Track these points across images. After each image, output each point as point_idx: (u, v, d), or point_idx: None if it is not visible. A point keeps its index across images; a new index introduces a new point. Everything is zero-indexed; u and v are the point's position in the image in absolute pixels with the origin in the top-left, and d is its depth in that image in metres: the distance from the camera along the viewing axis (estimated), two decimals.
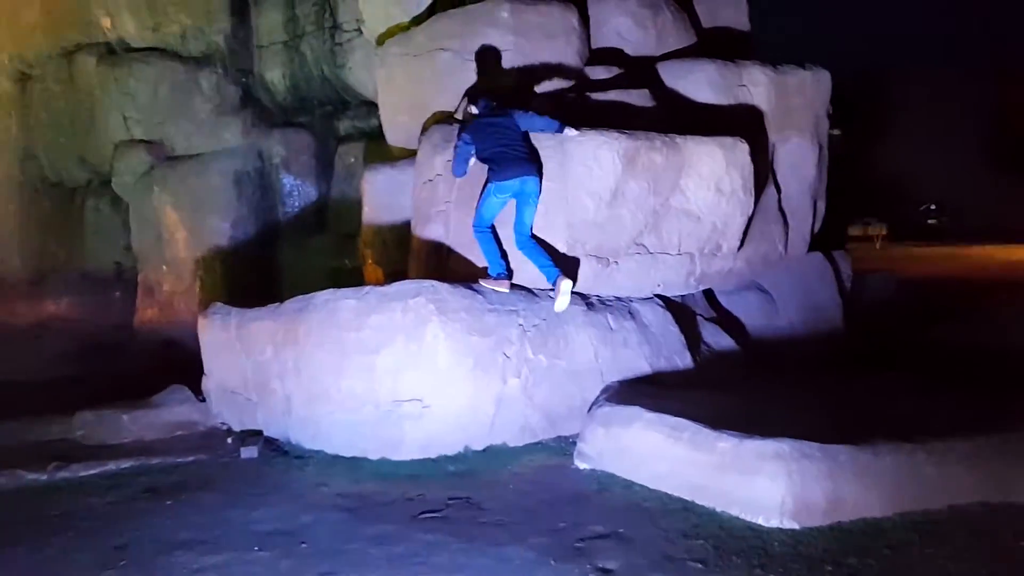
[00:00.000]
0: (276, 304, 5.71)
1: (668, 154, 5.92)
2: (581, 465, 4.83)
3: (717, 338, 6.85)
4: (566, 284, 5.48)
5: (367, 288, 5.35)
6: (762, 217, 7.41)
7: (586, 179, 5.66)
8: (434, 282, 5.26)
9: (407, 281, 5.37)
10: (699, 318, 7.00)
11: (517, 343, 5.33)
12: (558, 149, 5.66)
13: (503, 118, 5.85)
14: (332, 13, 10.03)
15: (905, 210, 32.41)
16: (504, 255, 5.79)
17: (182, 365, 7.31)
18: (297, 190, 10.51)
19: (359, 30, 9.44)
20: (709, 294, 7.62)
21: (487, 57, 6.89)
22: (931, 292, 12.26)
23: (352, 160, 10.03)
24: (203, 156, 10.48)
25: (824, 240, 8.68)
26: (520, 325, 5.39)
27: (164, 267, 10.71)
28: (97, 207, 12.35)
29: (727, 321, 7.42)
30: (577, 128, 5.75)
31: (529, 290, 5.69)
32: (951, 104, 33.71)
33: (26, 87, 12.17)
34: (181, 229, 10.41)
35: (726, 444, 4.05)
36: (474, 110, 6.12)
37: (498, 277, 5.69)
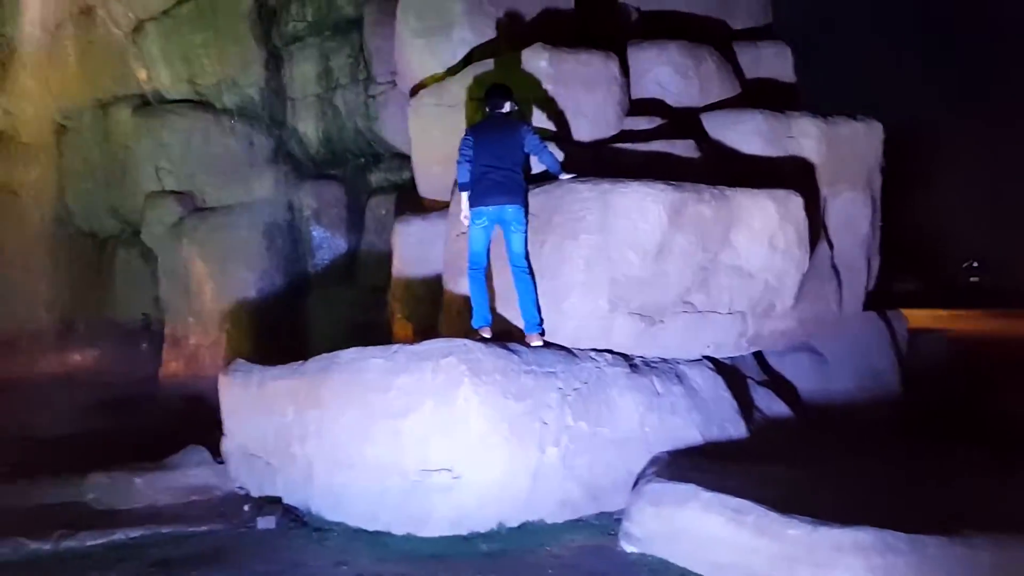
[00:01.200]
0: (299, 362, 5.38)
1: (717, 207, 5.57)
2: (628, 548, 4.36)
3: (770, 404, 6.38)
4: (535, 342, 5.32)
5: (395, 347, 5.00)
6: (815, 274, 6.98)
7: (630, 233, 5.32)
8: (467, 341, 4.90)
9: (438, 340, 5.02)
10: (750, 382, 6.55)
11: (556, 408, 4.92)
12: (599, 201, 5.33)
13: (508, 131, 5.66)
14: (366, 65, 9.96)
15: (945, 267, 31.53)
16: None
17: (204, 422, 6.98)
18: (327, 242, 10.30)
19: (393, 82, 9.34)
20: (759, 355, 7.18)
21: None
22: (984, 353, 11.60)
23: (383, 212, 9.82)
24: (233, 207, 10.36)
25: (877, 299, 8.23)
26: (559, 388, 4.98)
27: (191, 319, 10.53)
28: (127, 258, 12.31)
29: (779, 385, 6.95)
30: (572, 174, 5.64)
31: (568, 350, 5.30)
32: (995, 154, 32.95)
33: (62, 138, 12.28)
34: (209, 281, 10.24)
35: (797, 531, 3.58)
36: (487, 109, 5.90)
37: (480, 328, 5.44)
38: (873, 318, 7.86)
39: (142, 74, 11.05)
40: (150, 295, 11.77)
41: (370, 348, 5.03)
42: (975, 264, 32.90)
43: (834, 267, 7.23)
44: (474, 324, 5.60)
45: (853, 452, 5.39)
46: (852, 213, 7.30)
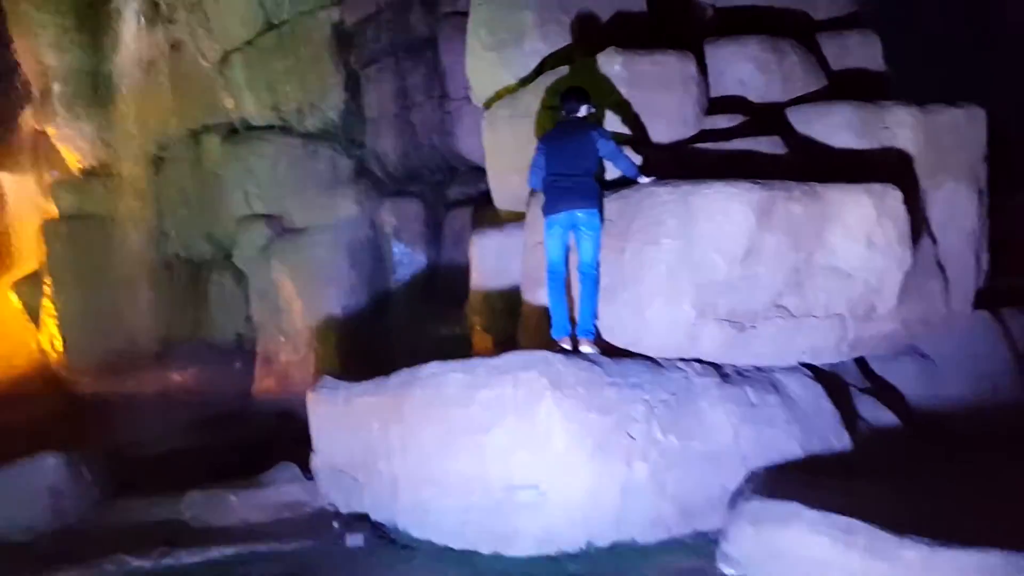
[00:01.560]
0: (382, 377, 5.39)
1: (808, 204, 5.27)
2: (727, 570, 4.13)
3: (876, 413, 6.00)
4: (587, 347, 5.29)
5: (475, 360, 4.94)
6: (918, 272, 6.48)
7: (715, 235, 5.09)
8: (547, 353, 4.79)
9: (518, 352, 4.93)
10: (853, 390, 6.19)
11: (643, 422, 4.73)
12: (681, 203, 5.13)
13: (580, 135, 5.59)
14: (441, 82, 10.06)
15: None
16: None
17: (296, 438, 7.12)
18: (407, 258, 10.41)
19: (467, 97, 9.35)
20: (860, 361, 6.77)
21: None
22: None
23: (460, 226, 9.83)
24: (318, 228, 10.61)
25: (990, 297, 7.65)
26: (645, 401, 4.80)
27: (281, 338, 10.83)
28: (221, 280, 12.77)
29: (884, 392, 6.53)
30: (651, 177, 5.52)
31: (653, 360, 5.10)
32: None
33: (160, 169, 12.90)
34: (297, 300, 10.50)
35: (914, 553, 3.29)
36: (563, 113, 5.82)
37: (560, 339, 5.39)
38: (985, 317, 7.28)
39: (229, 103, 11.49)
40: (243, 316, 12.19)
41: (450, 362, 4.98)
42: None
43: (939, 264, 6.73)
44: (553, 335, 5.50)
45: (970, 465, 4.98)
46: (956, 206, 6.79)
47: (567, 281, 5.56)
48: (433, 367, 5.04)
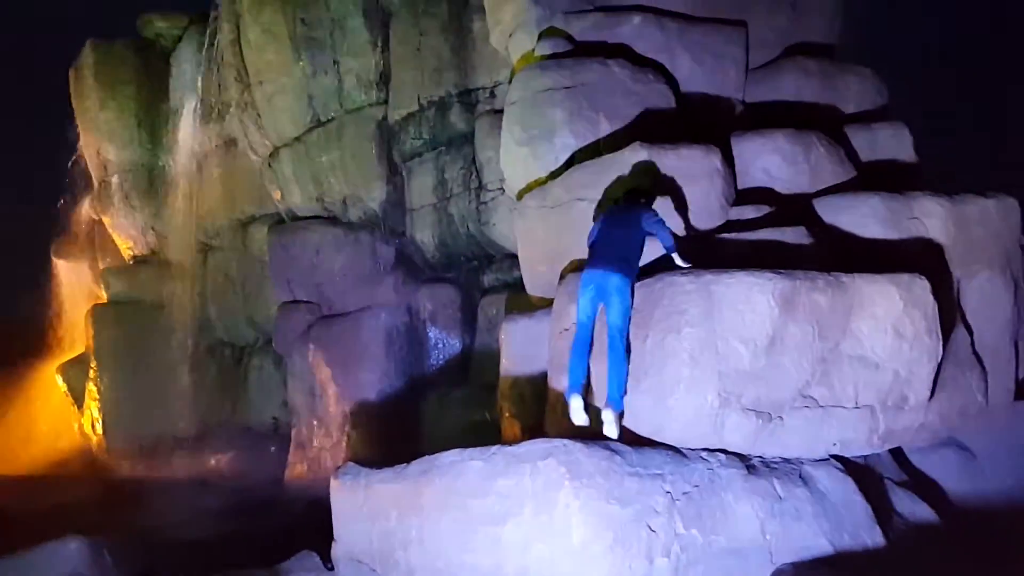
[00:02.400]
0: (402, 465, 5.39)
1: (833, 294, 5.25)
2: None
3: (912, 507, 5.74)
4: (609, 416, 5.27)
5: (494, 448, 4.93)
6: (953, 363, 6.38)
7: (738, 324, 5.09)
8: (567, 441, 4.76)
9: (537, 440, 4.90)
10: (888, 483, 5.96)
11: (664, 514, 4.63)
12: (703, 293, 5.16)
13: (632, 214, 5.95)
14: (478, 174, 10.39)
15: None
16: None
17: (321, 526, 7.10)
18: (442, 342, 10.56)
19: (502, 189, 9.66)
20: (897, 453, 6.54)
21: None
22: None
23: (494, 312, 9.97)
24: (356, 313, 10.85)
25: None
26: (667, 492, 4.70)
27: (315, 422, 10.93)
28: (260, 364, 13.11)
29: (921, 486, 6.27)
30: (688, 262, 5.76)
31: (676, 450, 5.03)
32: None
33: (207, 256, 13.46)
34: (332, 384, 10.64)
35: None
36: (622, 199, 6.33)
37: (570, 398, 5.52)
38: None
39: (276, 194, 12.03)
40: (280, 400, 12.41)
41: (470, 450, 4.98)
42: None
43: (975, 354, 6.57)
44: (566, 393, 5.57)
45: (1013, 563, 4.71)
46: (991, 295, 6.67)
47: (590, 345, 5.65)
48: (452, 455, 5.04)
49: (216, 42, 12.16)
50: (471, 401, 9.72)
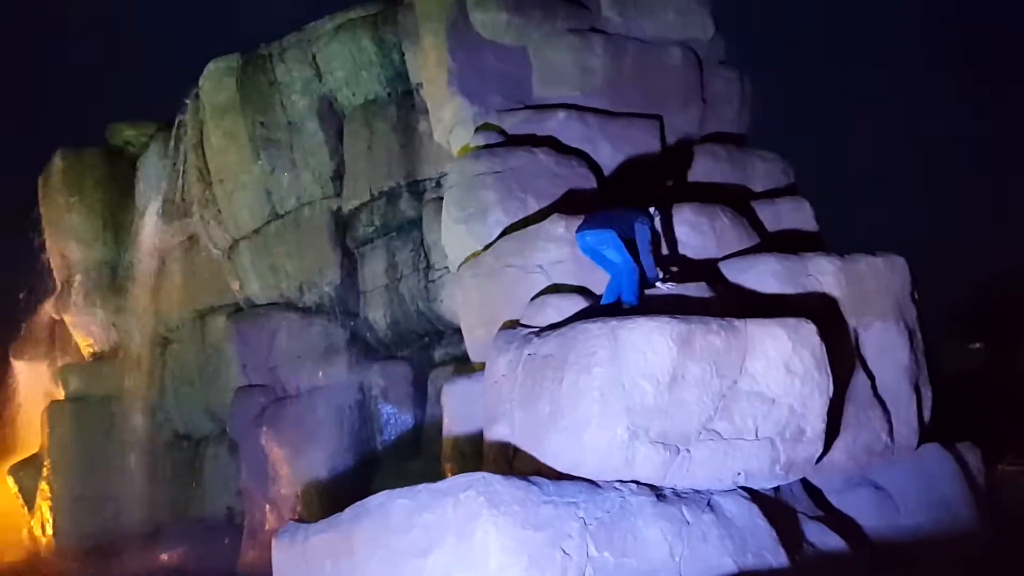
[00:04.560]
0: (336, 514, 5.69)
1: (727, 337, 5.83)
2: None
3: (823, 538, 6.16)
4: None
5: (421, 486, 5.29)
6: (856, 404, 6.98)
7: (641, 364, 5.62)
8: (487, 474, 5.15)
9: (461, 475, 5.28)
10: (801, 515, 6.38)
11: (577, 538, 4.99)
12: (609, 336, 5.70)
13: (632, 211, 7.12)
14: (426, 255, 11.02)
15: None
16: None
17: None
18: (394, 418, 10.88)
19: (447, 268, 10.29)
20: (818, 494, 7.00)
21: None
22: None
23: (443, 383, 10.35)
24: (309, 394, 11.16)
25: (948, 432, 7.95)
26: (581, 518, 5.08)
27: (267, 506, 11.01)
28: (216, 455, 13.18)
29: (839, 521, 6.71)
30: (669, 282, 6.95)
31: (592, 481, 5.44)
32: None
33: (165, 349, 13.74)
34: (285, 465, 10.82)
35: None
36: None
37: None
38: (937, 450, 7.57)
39: (235, 285, 12.52)
40: (234, 489, 12.42)
41: (397, 491, 5.33)
42: None
43: (877, 396, 7.16)
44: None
45: None
46: (887, 343, 7.33)
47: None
48: (380, 497, 5.38)
49: (181, 145, 12.92)
50: (424, 473, 9.84)
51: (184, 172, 12.97)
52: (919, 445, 7.43)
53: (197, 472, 13.29)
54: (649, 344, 5.63)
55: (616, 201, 7.64)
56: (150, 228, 13.60)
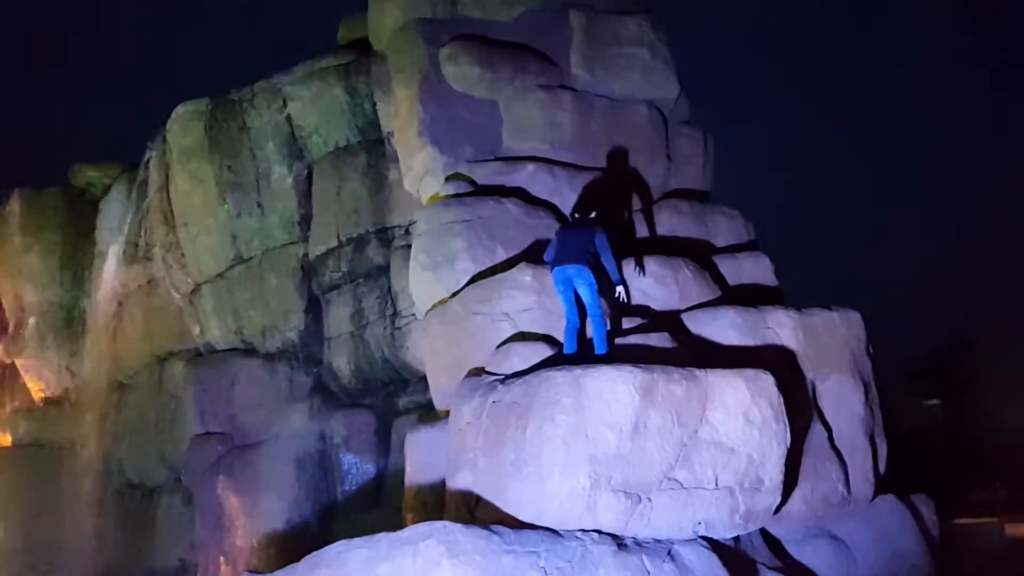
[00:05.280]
0: (293, 565, 5.57)
1: (688, 386, 5.93)
2: None
3: None
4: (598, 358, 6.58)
5: (380, 535, 5.24)
6: (813, 455, 7.11)
7: (604, 412, 5.68)
8: (448, 523, 5.12)
9: (421, 524, 5.24)
10: (761, 566, 6.42)
11: None
12: (573, 385, 5.77)
13: (587, 227, 7.40)
14: (393, 303, 11.01)
15: None
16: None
17: None
18: (356, 467, 10.70)
19: (414, 315, 10.30)
20: (777, 545, 7.06)
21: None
22: None
23: (406, 432, 10.25)
24: (268, 442, 10.96)
25: (904, 485, 8.11)
26: (542, 567, 5.06)
27: (222, 557, 10.69)
28: (170, 504, 12.80)
29: (797, 573, 6.76)
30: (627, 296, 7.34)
31: (553, 531, 5.42)
32: None
33: (121, 396, 13.42)
34: (241, 515, 10.56)
35: None
36: (575, 216, 7.92)
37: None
38: (893, 502, 7.72)
39: (196, 329, 12.35)
40: (188, 540, 12.04)
41: (356, 540, 5.26)
42: None
43: (834, 448, 7.30)
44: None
45: None
46: (843, 395, 7.52)
47: (577, 335, 6.99)
48: (338, 546, 5.30)
49: (145, 188, 12.86)
50: (384, 525, 9.67)
51: (147, 215, 12.87)
52: (875, 497, 7.57)
53: (149, 522, 12.87)
54: (612, 393, 5.70)
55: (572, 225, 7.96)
56: (110, 271, 13.40)
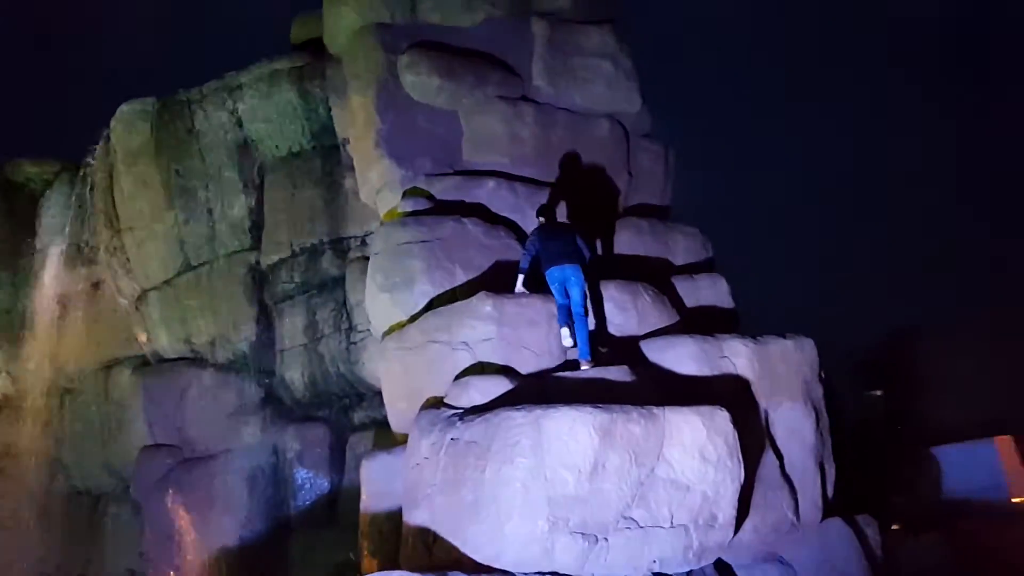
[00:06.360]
0: None
1: (647, 425, 5.99)
2: None
3: None
4: (584, 365, 7.26)
5: None
6: (765, 484, 7.24)
7: (564, 454, 5.70)
8: (405, 573, 5.09)
9: (378, 574, 5.20)
10: None
11: None
12: (533, 426, 5.78)
13: (568, 234, 8.06)
14: (348, 316, 10.86)
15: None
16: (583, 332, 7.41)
17: None
18: (309, 483, 10.57)
19: (369, 330, 10.16)
20: (727, 569, 7.19)
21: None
22: (987, 554, 11.26)
23: (363, 449, 10.14)
24: (219, 456, 10.75)
25: (848, 505, 8.33)
26: None
27: (172, 573, 10.48)
28: (118, 513, 12.50)
29: None
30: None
31: (510, 574, 5.44)
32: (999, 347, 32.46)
33: (64, 401, 12.98)
34: (191, 531, 10.37)
35: None
36: (541, 220, 8.25)
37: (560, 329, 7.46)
38: (839, 524, 7.91)
39: (143, 337, 11.99)
40: (137, 551, 11.77)
41: None
42: None
43: (785, 476, 7.45)
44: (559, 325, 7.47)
45: None
46: (795, 423, 7.67)
47: (569, 312, 7.51)
48: None
49: (88, 189, 12.38)
50: (338, 542, 9.69)
51: (90, 216, 12.41)
52: (823, 519, 7.77)
53: (96, 531, 12.54)
54: (572, 434, 5.72)
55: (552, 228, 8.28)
56: (51, 272, 12.89)
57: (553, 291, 7.67)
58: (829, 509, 7.91)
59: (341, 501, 10.37)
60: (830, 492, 7.95)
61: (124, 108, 11.83)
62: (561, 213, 9.31)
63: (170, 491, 10.56)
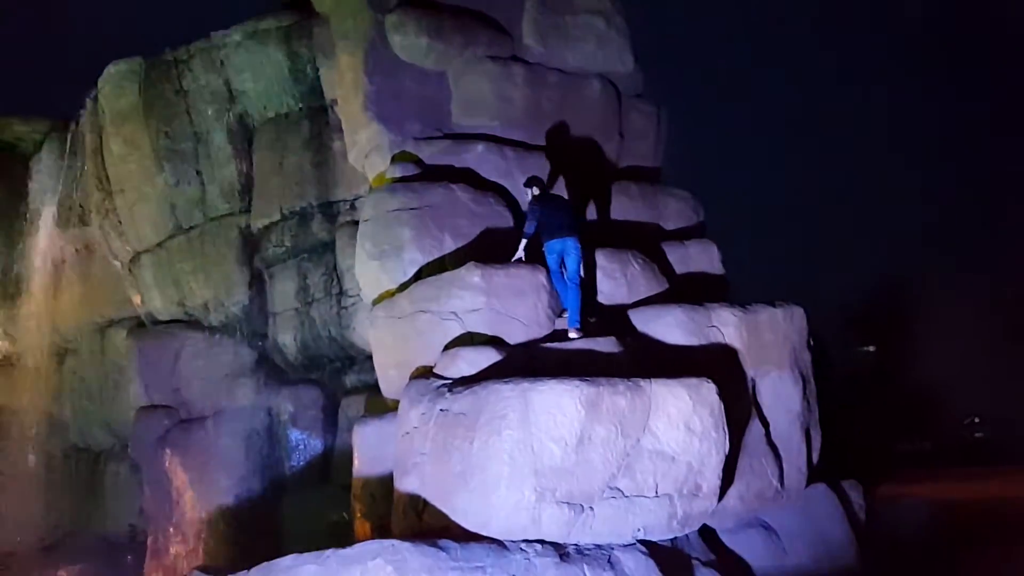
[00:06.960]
0: (244, 572, 5.64)
1: (633, 397, 6.06)
2: None
3: None
4: (573, 333, 7.41)
5: (329, 552, 5.31)
6: (750, 452, 7.37)
7: (550, 426, 5.79)
8: (395, 541, 5.23)
9: (370, 542, 5.34)
10: (695, 562, 6.73)
11: None
12: (520, 399, 5.85)
13: (563, 203, 8.46)
14: (339, 281, 10.85)
15: (950, 425, 31.09)
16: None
17: None
18: (303, 444, 10.71)
19: (360, 296, 10.19)
20: (711, 534, 7.36)
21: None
22: (968, 518, 11.55)
23: (356, 412, 10.25)
24: (215, 417, 10.87)
25: (833, 469, 8.49)
26: None
27: (171, 529, 10.72)
28: (117, 470, 12.72)
29: (729, 564, 7.11)
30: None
31: (499, 542, 5.58)
32: (988, 304, 32.73)
33: (63, 360, 13.10)
34: (189, 490, 10.55)
35: None
36: (536, 191, 8.34)
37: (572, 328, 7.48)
38: (823, 490, 8.11)
39: (137, 299, 12.01)
40: (137, 507, 12.03)
41: (305, 555, 5.33)
42: (976, 420, 32.53)
43: (771, 444, 7.58)
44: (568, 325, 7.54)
45: None
46: (782, 391, 7.77)
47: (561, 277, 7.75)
48: (289, 560, 5.37)
49: (78, 150, 12.26)
50: (331, 501, 9.85)
51: (81, 178, 12.32)
52: (808, 485, 7.93)
53: (97, 487, 12.79)
54: (559, 407, 5.80)
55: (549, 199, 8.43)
56: (44, 233, 12.85)
57: (549, 262, 7.82)
58: (814, 475, 8.08)
59: (334, 461, 10.52)
60: (815, 458, 8.10)
61: (111, 69, 11.60)
62: (552, 178, 9.28)
63: (168, 451, 10.70)
